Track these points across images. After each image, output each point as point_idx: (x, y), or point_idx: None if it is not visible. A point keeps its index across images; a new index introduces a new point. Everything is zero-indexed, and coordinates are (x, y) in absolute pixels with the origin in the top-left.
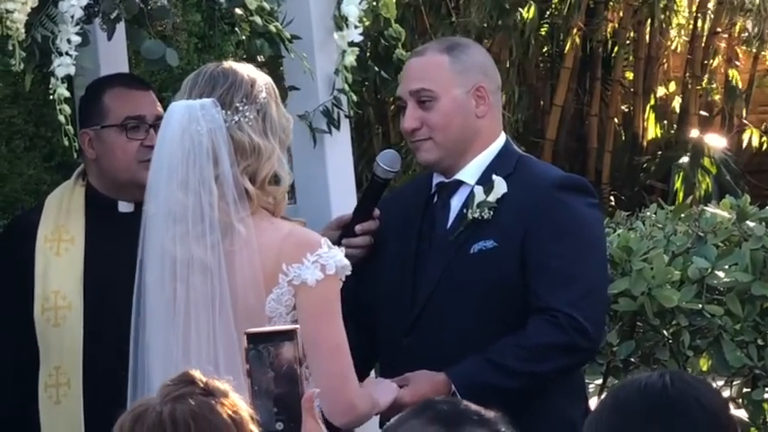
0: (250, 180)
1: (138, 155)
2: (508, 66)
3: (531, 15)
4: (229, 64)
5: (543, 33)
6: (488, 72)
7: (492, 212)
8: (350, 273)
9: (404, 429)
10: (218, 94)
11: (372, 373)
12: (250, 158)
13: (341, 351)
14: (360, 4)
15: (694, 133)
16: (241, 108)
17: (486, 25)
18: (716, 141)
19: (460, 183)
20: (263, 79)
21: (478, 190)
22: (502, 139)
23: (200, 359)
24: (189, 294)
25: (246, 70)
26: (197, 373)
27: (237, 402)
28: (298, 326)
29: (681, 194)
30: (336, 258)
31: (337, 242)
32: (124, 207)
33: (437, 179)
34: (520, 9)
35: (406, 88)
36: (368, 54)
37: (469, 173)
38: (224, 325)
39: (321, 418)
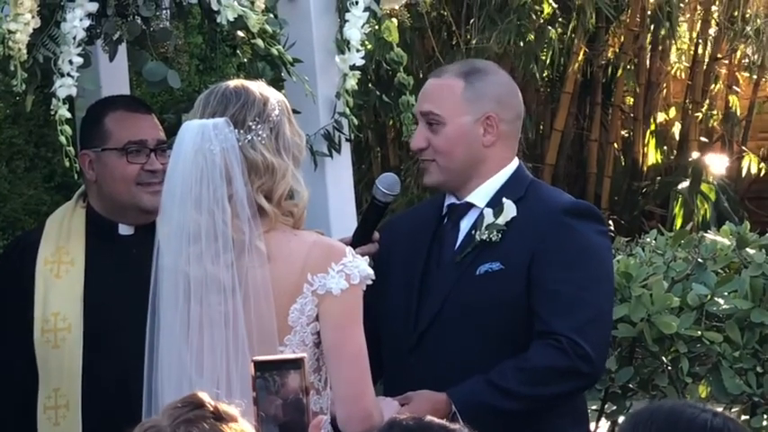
0: (266, 198)
1: (139, 178)
2: None
3: (533, 38)
4: (241, 82)
5: (543, 58)
6: (503, 101)
7: (500, 235)
8: (372, 282)
9: None
10: (231, 113)
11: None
12: (264, 177)
13: (361, 359)
14: (362, 27)
15: (694, 156)
16: (254, 127)
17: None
18: (715, 163)
19: (471, 205)
20: (275, 97)
21: (488, 212)
22: (514, 163)
23: (213, 378)
24: (204, 313)
25: (259, 89)
26: (205, 397)
27: (246, 427)
28: (305, 354)
29: (679, 220)
30: (360, 267)
31: None
32: (124, 230)
33: (449, 200)
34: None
35: (418, 108)
36: (369, 77)
37: (480, 195)
38: (239, 344)
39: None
